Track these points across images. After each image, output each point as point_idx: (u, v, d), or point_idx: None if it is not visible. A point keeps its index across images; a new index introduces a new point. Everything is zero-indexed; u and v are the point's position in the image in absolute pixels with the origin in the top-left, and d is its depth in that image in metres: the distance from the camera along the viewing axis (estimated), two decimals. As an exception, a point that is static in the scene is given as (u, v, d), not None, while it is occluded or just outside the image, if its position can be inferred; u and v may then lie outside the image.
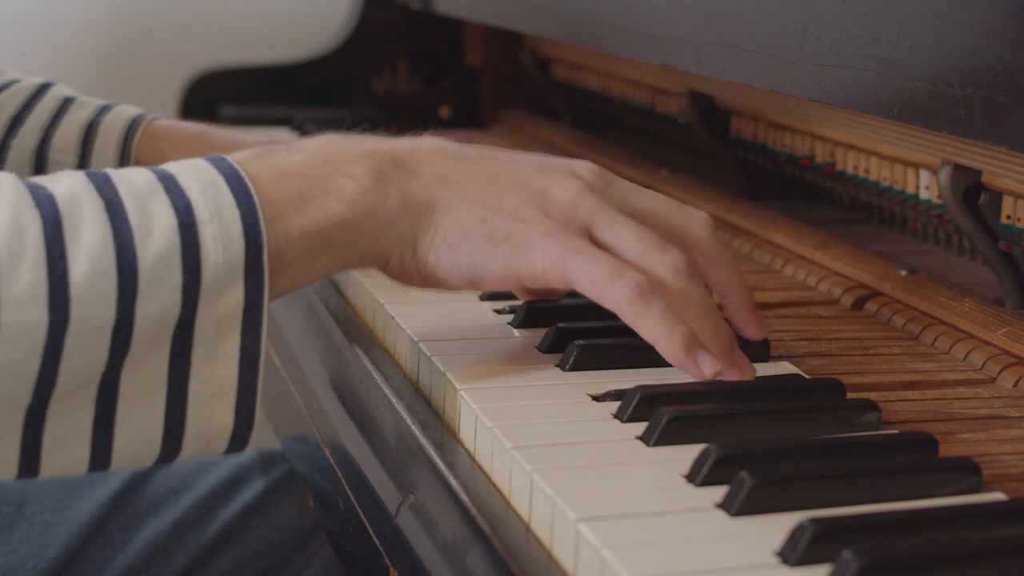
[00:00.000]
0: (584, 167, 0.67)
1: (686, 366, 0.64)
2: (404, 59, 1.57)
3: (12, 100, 0.99)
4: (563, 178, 0.66)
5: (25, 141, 0.97)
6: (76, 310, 0.54)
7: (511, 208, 0.64)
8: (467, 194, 0.64)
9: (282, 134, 1.41)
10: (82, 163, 0.97)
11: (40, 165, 0.97)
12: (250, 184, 0.59)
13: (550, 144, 1.39)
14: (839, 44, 0.73)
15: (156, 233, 0.56)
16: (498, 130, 1.53)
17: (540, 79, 1.46)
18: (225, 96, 1.51)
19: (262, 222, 0.58)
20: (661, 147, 1.29)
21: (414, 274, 0.65)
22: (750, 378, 0.66)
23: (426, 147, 0.66)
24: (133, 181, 0.58)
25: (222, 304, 0.57)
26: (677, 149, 1.26)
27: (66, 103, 1.00)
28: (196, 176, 0.59)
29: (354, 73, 1.56)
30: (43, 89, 1.01)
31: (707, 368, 0.64)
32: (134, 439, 0.57)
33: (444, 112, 1.59)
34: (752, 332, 0.70)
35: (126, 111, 1.01)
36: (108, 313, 0.55)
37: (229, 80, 1.52)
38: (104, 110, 1.00)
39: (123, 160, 0.97)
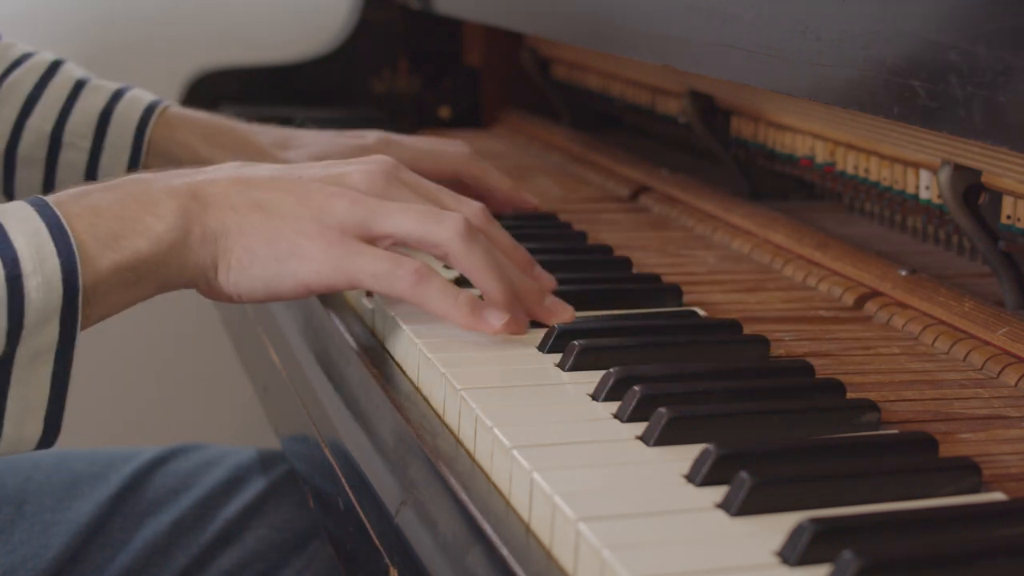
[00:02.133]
0: (361, 172, 0.75)
1: (476, 327, 0.71)
2: (404, 59, 1.57)
3: (26, 78, 1.01)
4: (337, 191, 0.72)
5: (41, 123, 1.00)
6: None
7: (292, 227, 0.71)
8: (253, 219, 0.71)
9: (282, 134, 1.41)
10: (96, 149, 1.00)
11: (55, 147, 1.00)
12: (70, 232, 0.66)
13: (550, 144, 1.39)
14: (839, 44, 0.73)
15: None
16: (498, 130, 1.53)
17: (540, 79, 1.46)
18: (225, 96, 1.51)
19: (79, 269, 0.65)
20: (661, 147, 1.29)
21: (220, 293, 0.72)
22: (568, 319, 0.74)
23: (223, 178, 0.73)
24: None
25: (38, 341, 0.65)
26: (677, 149, 1.26)
27: (79, 86, 1.02)
28: (21, 226, 0.66)
29: (354, 73, 1.56)
30: (54, 68, 1.02)
31: (495, 321, 0.71)
32: None
33: (444, 112, 1.59)
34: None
35: (140, 98, 1.02)
36: None
37: (229, 80, 1.52)
38: (117, 96, 1.02)
39: (139, 146, 1.00)
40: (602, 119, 1.42)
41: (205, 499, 1.01)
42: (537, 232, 1.00)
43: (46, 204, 0.67)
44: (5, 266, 0.64)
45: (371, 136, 1.03)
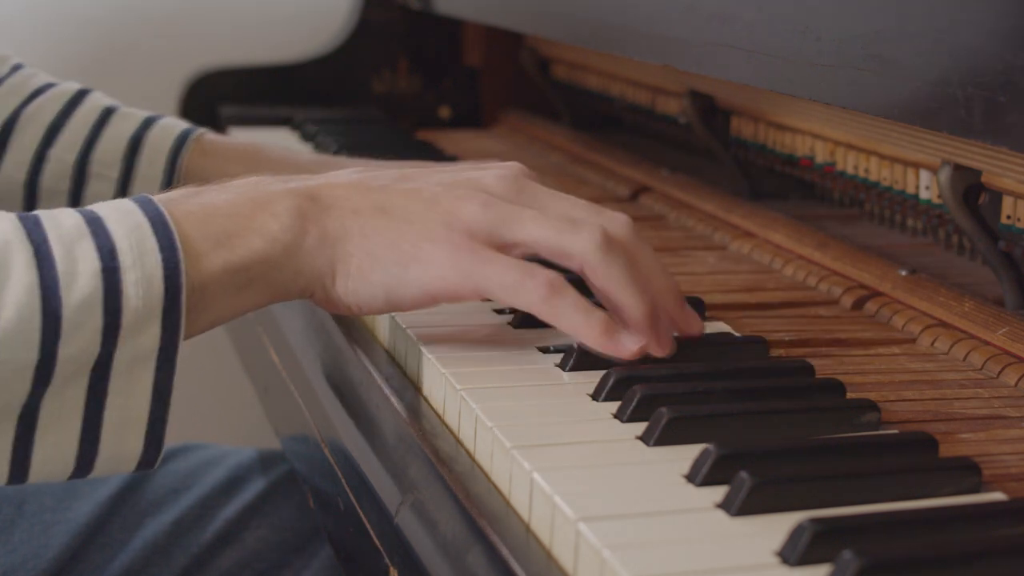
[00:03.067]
0: (494, 176, 0.70)
1: (609, 349, 0.66)
2: (404, 59, 1.57)
3: (48, 107, 0.96)
4: (468, 194, 0.68)
5: (65, 153, 0.94)
6: (1, 353, 0.58)
7: (418, 230, 0.67)
8: (377, 223, 0.67)
9: (282, 134, 1.41)
10: (126, 178, 0.94)
11: (80, 178, 0.94)
12: (174, 228, 0.62)
13: (550, 144, 1.39)
14: (839, 44, 0.73)
15: (81, 279, 0.59)
16: (498, 130, 1.53)
17: (540, 79, 1.46)
18: (225, 96, 1.51)
19: (183, 267, 0.61)
20: (661, 147, 1.29)
21: (338, 303, 0.68)
22: (697, 332, 0.69)
23: (343, 181, 0.69)
24: (62, 225, 0.61)
25: (138, 344, 0.60)
26: (677, 149, 1.26)
27: (107, 113, 0.96)
28: (123, 219, 0.62)
29: (354, 73, 1.56)
30: (80, 96, 0.97)
31: (630, 344, 0.66)
32: (50, 457, 0.61)
33: (444, 112, 1.59)
34: (688, 326, 0.70)
35: (173, 125, 0.97)
36: (31, 355, 0.58)
37: (229, 80, 1.52)
38: (149, 123, 0.96)
39: (171, 176, 0.94)
40: (602, 119, 1.42)
41: (205, 499, 1.01)
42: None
43: (150, 200, 0.64)
44: (101, 257, 0.60)
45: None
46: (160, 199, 0.64)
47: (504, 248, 0.67)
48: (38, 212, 0.62)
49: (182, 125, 0.98)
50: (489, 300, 0.80)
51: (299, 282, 0.66)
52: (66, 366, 0.59)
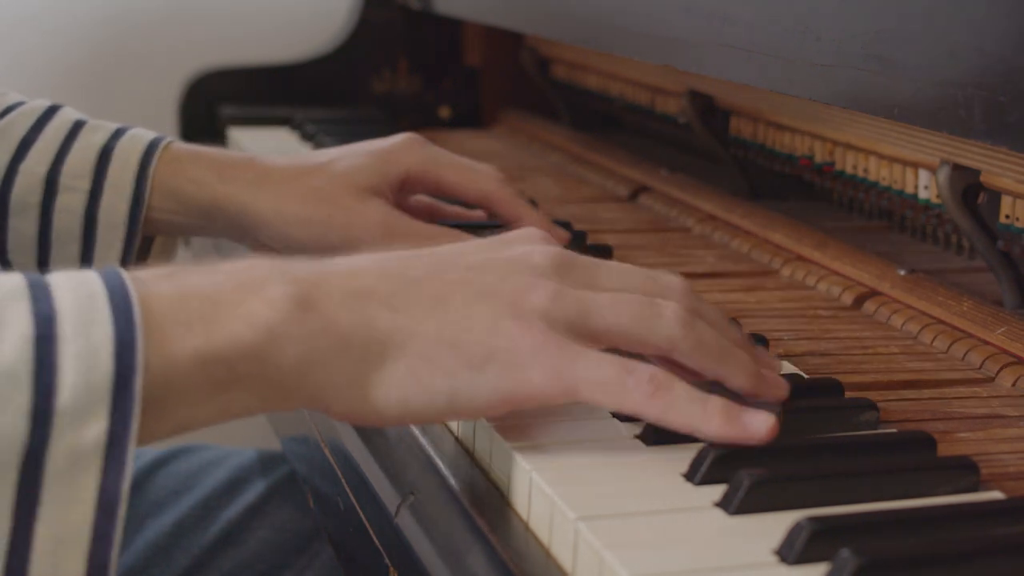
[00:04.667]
0: (543, 256, 0.60)
1: (738, 438, 0.57)
2: (404, 59, 1.57)
3: (20, 122, 0.93)
4: (531, 280, 0.58)
5: (35, 166, 0.91)
6: None
7: (485, 326, 0.56)
8: (427, 321, 0.56)
9: (282, 134, 1.41)
10: (96, 188, 0.91)
11: (51, 191, 0.91)
12: (135, 300, 0.51)
13: (550, 144, 1.39)
14: (839, 44, 0.73)
15: (6, 344, 0.48)
16: (498, 130, 1.53)
17: (540, 79, 1.46)
18: (225, 96, 1.51)
19: (139, 343, 0.50)
20: (661, 147, 1.29)
21: (369, 416, 0.56)
22: (784, 394, 0.62)
23: (366, 268, 0.57)
24: (1, 285, 0.51)
25: (79, 434, 0.48)
26: (677, 149, 1.26)
27: (77, 126, 0.94)
28: (75, 287, 0.51)
29: (354, 73, 1.56)
30: (51, 112, 0.95)
31: (759, 426, 0.57)
32: None
33: (444, 112, 1.59)
34: (772, 396, 0.62)
35: (143, 135, 0.94)
36: None
37: (229, 80, 1.53)
38: (118, 134, 0.94)
39: (142, 184, 0.91)
40: (602, 119, 1.42)
41: (206, 500, 1.01)
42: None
43: (116, 271, 0.53)
44: (36, 324, 0.49)
45: (399, 136, 0.92)
46: (130, 274, 0.53)
47: (587, 340, 0.58)
48: None
49: (151, 135, 0.94)
50: None
51: (306, 389, 0.55)
52: None
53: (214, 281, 0.54)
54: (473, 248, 0.61)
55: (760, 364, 0.62)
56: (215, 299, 0.53)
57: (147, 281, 0.53)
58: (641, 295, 0.59)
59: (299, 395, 0.54)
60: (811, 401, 0.65)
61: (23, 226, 0.90)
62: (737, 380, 0.60)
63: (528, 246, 0.61)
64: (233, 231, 0.91)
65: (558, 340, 0.56)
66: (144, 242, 0.93)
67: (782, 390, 0.62)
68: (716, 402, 0.57)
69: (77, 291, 0.51)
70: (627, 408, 0.57)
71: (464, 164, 0.91)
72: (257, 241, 0.90)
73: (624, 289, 0.60)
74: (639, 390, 0.56)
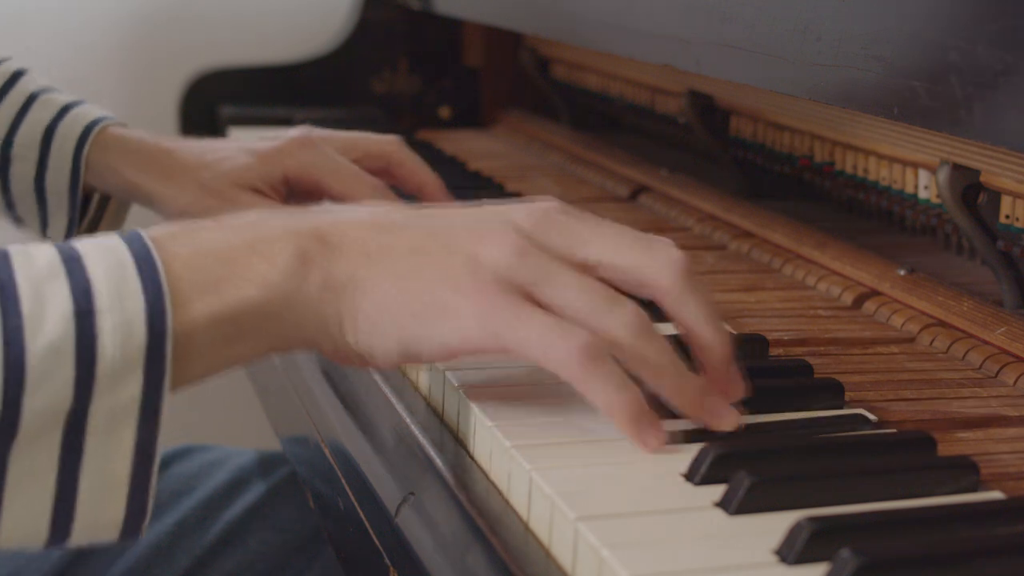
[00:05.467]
0: (525, 213, 0.61)
1: (634, 437, 0.58)
2: (404, 59, 1.57)
3: None
4: (496, 235, 0.60)
5: None
6: None
7: (436, 276, 0.59)
8: (390, 268, 0.59)
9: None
10: (41, 162, 1.00)
11: (5, 160, 1.00)
12: (161, 269, 0.56)
13: (550, 144, 1.39)
14: (839, 44, 0.73)
15: (49, 322, 0.53)
16: (498, 130, 1.53)
17: (540, 79, 1.46)
18: (225, 96, 1.52)
19: (169, 311, 0.55)
20: (661, 147, 1.29)
21: (349, 355, 0.61)
22: (731, 428, 0.60)
23: (353, 219, 0.61)
24: (34, 261, 0.55)
25: (117, 395, 0.54)
26: (677, 149, 1.26)
27: (31, 99, 1.02)
28: (104, 256, 0.55)
29: (354, 73, 1.56)
30: (13, 80, 1.03)
31: (649, 443, 0.58)
32: (20, 522, 0.54)
33: (444, 112, 1.59)
34: (724, 394, 0.61)
35: (83, 115, 1.01)
36: None
37: (229, 80, 1.53)
38: (63, 112, 1.01)
39: (77, 167, 0.99)
40: (602, 119, 1.42)
41: (207, 501, 1.02)
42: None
43: (139, 237, 0.57)
44: (75, 299, 0.53)
45: (293, 131, 1.00)
46: (152, 235, 0.58)
47: (539, 300, 0.59)
48: (10, 247, 0.56)
49: (91, 115, 1.01)
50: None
51: (302, 334, 0.60)
52: (33, 420, 0.53)
53: (225, 238, 0.59)
54: (472, 208, 0.63)
55: (718, 387, 0.61)
56: (227, 259, 0.58)
57: (166, 242, 0.57)
58: (605, 289, 0.59)
59: (295, 340, 0.60)
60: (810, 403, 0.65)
61: None
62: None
63: (525, 204, 0.62)
64: (149, 209, 1.01)
65: (501, 296, 0.58)
66: (102, 200, 1.03)
67: (726, 421, 0.60)
68: (630, 396, 0.57)
69: (107, 260, 0.55)
70: (552, 366, 0.57)
71: (343, 169, 0.97)
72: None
73: (601, 262, 0.61)
74: (571, 355, 0.57)
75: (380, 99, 1.56)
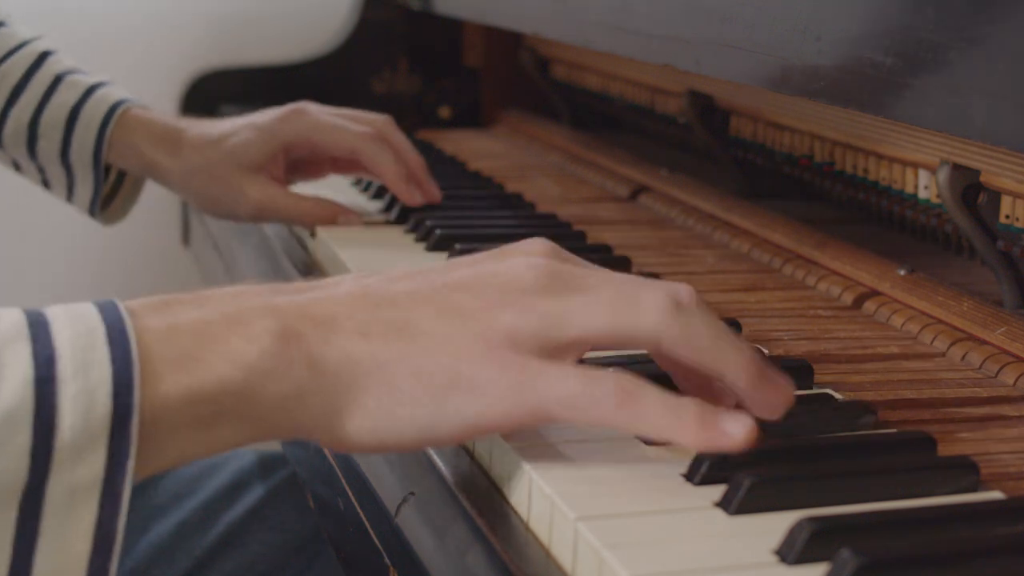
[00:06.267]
0: (529, 269, 0.57)
1: (714, 445, 0.54)
2: (404, 59, 1.58)
3: (14, 71, 1.07)
4: (500, 298, 0.56)
5: (21, 114, 1.06)
6: None
7: (450, 350, 0.55)
8: (395, 347, 0.55)
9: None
10: (66, 140, 1.05)
11: (32, 137, 1.06)
12: (133, 339, 0.52)
13: (550, 144, 1.39)
14: (839, 44, 0.73)
15: (6, 388, 0.49)
16: (498, 130, 1.53)
17: (540, 79, 1.46)
18: (225, 96, 1.52)
19: (136, 383, 0.51)
20: (661, 147, 1.29)
21: (352, 444, 0.55)
22: (789, 399, 0.57)
23: (344, 294, 0.57)
24: (1, 322, 0.52)
25: (77, 471, 0.50)
26: (677, 149, 1.26)
27: (57, 80, 1.07)
28: (73, 323, 0.52)
29: (354, 73, 1.56)
30: (42, 59, 1.08)
31: (738, 432, 0.54)
32: None
33: (444, 112, 1.59)
34: (771, 409, 0.58)
35: (107, 96, 1.07)
36: None
37: (229, 80, 1.53)
38: (88, 93, 1.07)
39: (100, 143, 1.05)
40: (602, 119, 1.42)
41: (208, 502, 1.02)
42: (537, 232, 1.00)
43: (114, 305, 0.53)
44: (36, 365, 0.50)
45: (284, 107, 1.04)
46: (128, 305, 0.54)
47: (557, 353, 0.55)
48: None
49: (115, 97, 1.07)
50: None
51: (291, 421, 0.54)
52: None
53: (203, 314, 0.54)
54: (464, 262, 0.59)
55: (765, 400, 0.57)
56: (203, 334, 0.53)
57: (141, 314, 0.53)
58: (621, 290, 0.57)
59: (283, 427, 0.55)
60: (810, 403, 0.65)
61: (19, 152, 1.08)
62: (735, 376, 0.56)
63: (522, 258, 0.58)
64: (165, 187, 1.08)
65: (521, 362, 0.54)
66: (119, 175, 1.11)
67: (786, 394, 0.57)
68: (690, 408, 0.54)
69: (76, 327, 0.51)
70: (596, 421, 0.54)
71: (335, 124, 1.03)
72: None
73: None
74: (607, 401, 0.54)
75: (380, 99, 1.56)
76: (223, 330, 0.54)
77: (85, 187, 1.08)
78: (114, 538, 0.51)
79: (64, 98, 1.06)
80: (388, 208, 1.05)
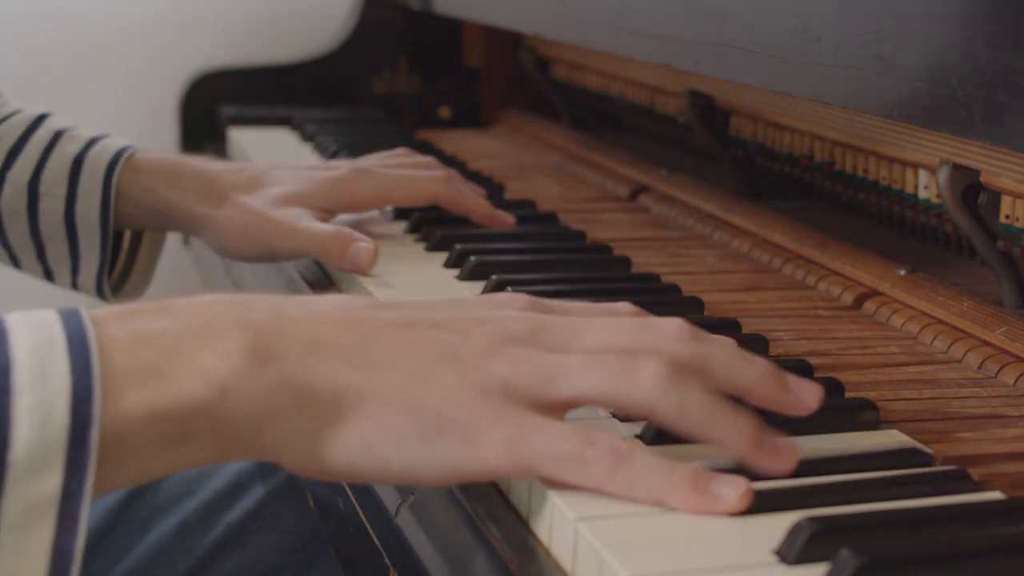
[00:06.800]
0: (517, 321, 0.56)
1: (707, 509, 0.53)
2: (404, 59, 1.58)
3: (11, 132, 1.01)
4: (495, 345, 0.54)
5: (19, 175, 0.99)
6: None
7: (443, 393, 0.52)
8: (385, 380, 0.52)
9: (282, 134, 1.41)
10: (71, 195, 0.98)
11: (33, 198, 0.99)
12: (95, 350, 0.49)
13: (550, 144, 1.39)
14: (839, 44, 0.73)
15: None
16: (498, 130, 1.53)
17: (540, 79, 1.46)
18: (225, 96, 1.52)
19: (97, 396, 0.48)
20: (661, 147, 1.29)
21: (325, 473, 0.53)
22: (790, 465, 0.55)
23: (325, 314, 0.54)
24: None
25: (33, 487, 0.47)
26: (677, 149, 1.26)
27: (57, 136, 1.01)
28: (34, 332, 0.49)
29: (354, 73, 1.56)
30: (39, 121, 1.02)
31: (731, 495, 0.52)
32: None
33: (444, 112, 1.59)
34: (801, 405, 0.57)
35: (111, 145, 1.01)
36: None
37: (229, 80, 1.53)
38: (91, 144, 1.01)
39: (107, 192, 0.98)
40: (602, 119, 1.42)
41: (208, 503, 1.02)
42: (537, 232, 1.00)
43: (77, 314, 0.51)
44: None
45: (343, 167, 0.98)
46: (92, 314, 0.51)
47: (547, 409, 0.54)
48: None
49: (119, 144, 1.01)
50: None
51: (260, 444, 0.52)
52: None
53: (171, 325, 0.52)
54: (446, 305, 0.58)
55: (787, 395, 0.57)
56: (170, 348, 0.51)
57: (106, 325, 0.51)
58: (620, 353, 0.55)
59: (253, 449, 0.53)
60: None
61: (18, 228, 1.00)
62: (732, 447, 0.54)
63: (506, 311, 0.57)
64: (183, 231, 1.01)
65: (516, 414, 0.53)
66: (135, 235, 1.03)
67: (787, 460, 0.55)
68: (682, 472, 0.53)
69: (36, 335, 0.49)
70: (587, 483, 0.53)
71: (407, 178, 0.99)
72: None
73: (605, 347, 0.55)
74: (600, 463, 0.52)
75: (380, 99, 1.57)
76: (192, 344, 0.51)
77: (91, 254, 0.99)
78: (71, 560, 0.48)
79: (66, 150, 1.00)
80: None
